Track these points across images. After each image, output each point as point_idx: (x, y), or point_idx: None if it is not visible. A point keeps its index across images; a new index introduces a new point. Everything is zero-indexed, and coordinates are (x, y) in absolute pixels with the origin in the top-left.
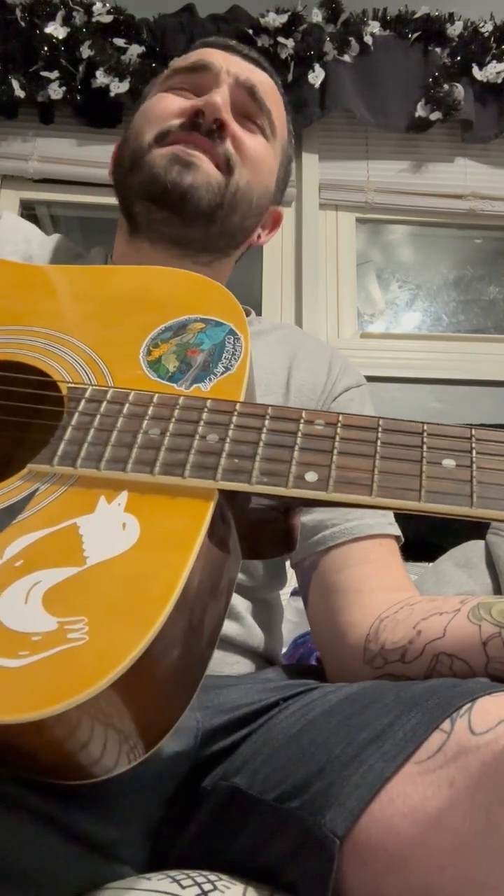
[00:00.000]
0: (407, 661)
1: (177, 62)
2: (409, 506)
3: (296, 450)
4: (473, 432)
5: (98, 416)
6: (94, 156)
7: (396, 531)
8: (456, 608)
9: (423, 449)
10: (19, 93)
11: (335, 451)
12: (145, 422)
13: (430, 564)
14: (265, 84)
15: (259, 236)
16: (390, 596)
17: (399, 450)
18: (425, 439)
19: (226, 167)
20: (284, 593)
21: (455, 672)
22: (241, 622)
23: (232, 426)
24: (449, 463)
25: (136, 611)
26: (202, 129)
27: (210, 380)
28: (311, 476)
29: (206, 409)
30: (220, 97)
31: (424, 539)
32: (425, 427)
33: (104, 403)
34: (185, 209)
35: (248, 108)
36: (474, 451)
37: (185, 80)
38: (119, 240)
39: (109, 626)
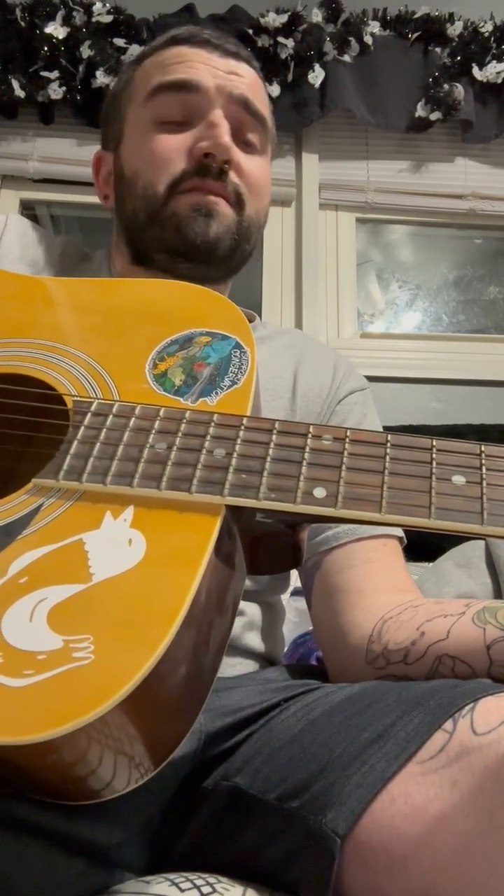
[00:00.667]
0: (409, 662)
1: (157, 75)
2: (419, 523)
3: (304, 465)
4: (483, 448)
5: (104, 430)
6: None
7: (399, 532)
8: (461, 611)
9: (432, 465)
10: (19, 93)
11: (343, 467)
12: (151, 436)
13: (430, 564)
14: (252, 85)
15: None
16: (393, 597)
17: (408, 466)
18: (434, 455)
19: (236, 203)
20: (284, 594)
21: (457, 674)
22: (243, 624)
23: (239, 441)
24: (459, 479)
25: (142, 629)
26: (213, 171)
27: (216, 394)
28: (319, 492)
29: (212, 424)
30: (227, 135)
31: (424, 539)
32: (434, 443)
33: (110, 417)
34: (212, 259)
35: (245, 125)
36: (484, 468)
37: (173, 101)
38: (120, 261)
39: (116, 645)
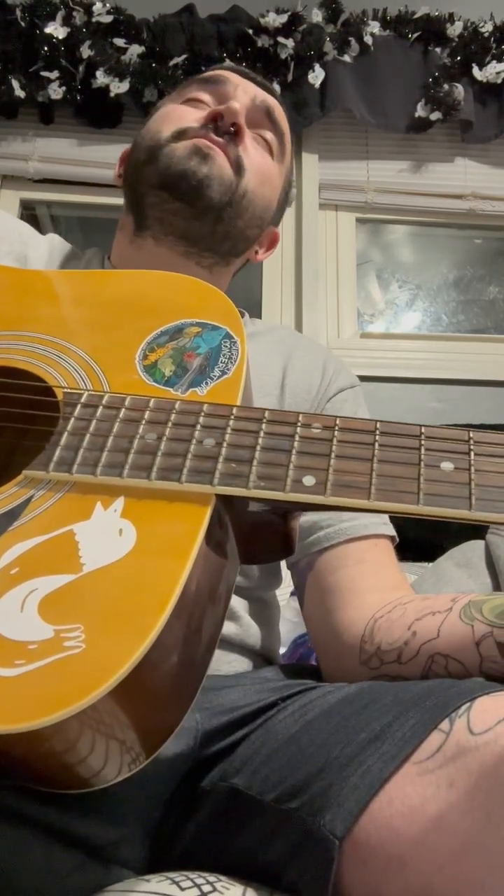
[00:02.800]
0: (403, 661)
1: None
2: (408, 509)
3: (293, 454)
4: (471, 435)
5: (94, 422)
6: (94, 156)
7: (391, 531)
8: (447, 607)
9: (420, 452)
10: (19, 93)
11: (333, 455)
12: (142, 427)
13: (430, 564)
14: (279, 109)
15: (257, 252)
16: (384, 595)
17: (397, 453)
18: (423, 442)
19: (236, 168)
20: (284, 594)
21: (450, 672)
22: (237, 621)
23: (229, 430)
24: (447, 466)
25: (133, 618)
26: (219, 130)
27: (206, 384)
28: (308, 480)
29: (202, 414)
30: (239, 104)
31: (424, 539)
32: (423, 430)
33: (100, 409)
34: (199, 199)
35: (263, 125)
36: (472, 454)
37: (202, 89)
38: (120, 241)
39: (106, 634)
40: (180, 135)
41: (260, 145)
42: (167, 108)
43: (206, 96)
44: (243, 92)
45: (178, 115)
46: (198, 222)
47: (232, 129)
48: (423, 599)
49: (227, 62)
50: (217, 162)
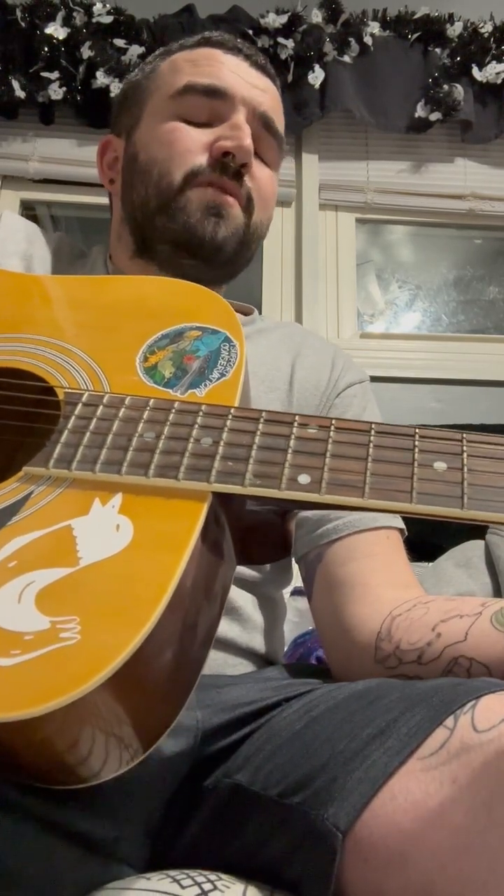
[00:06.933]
0: (423, 662)
1: (188, 73)
2: (401, 507)
3: (289, 452)
4: (464, 435)
5: (94, 420)
6: (94, 156)
7: (400, 523)
8: (477, 611)
9: (414, 452)
10: (19, 93)
11: (328, 454)
12: (140, 425)
13: (430, 564)
14: (274, 102)
15: None
16: (398, 593)
17: (391, 452)
18: (417, 442)
19: (246, 207)
20: (285, 593)
21: (472, 674)
22: (243, 623)
23: (226, 430)
24: (440, 465)
25: (128, 611)
26: (230, 170)
27: (205, 385)
28: (303, 478)
29: (200, 413)
30: (249, 138)
31: (424, 539)
32: (417, 430)
33: (100, 408)
34: (216, 259)
35: (262, 141)
36: (465, 454)
37: (201, 104)
38: (119, 254)
39: (101, 626)
40: (191, 177)
41: (262, 162)
42: (168, 129)
43: (206, 115)
44: (242, 102)
45: (184, 146)
46: (212, 272)
47: (243, 168)
48: (448, 601)
49: (219, 34)
50: (231, 215)
